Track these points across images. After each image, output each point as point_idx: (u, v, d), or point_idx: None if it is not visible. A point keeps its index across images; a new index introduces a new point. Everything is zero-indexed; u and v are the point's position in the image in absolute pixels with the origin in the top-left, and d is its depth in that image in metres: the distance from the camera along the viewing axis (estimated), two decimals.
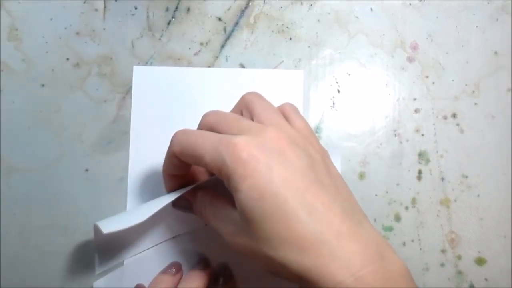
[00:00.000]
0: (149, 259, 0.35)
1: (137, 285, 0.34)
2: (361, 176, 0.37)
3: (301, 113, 0.37)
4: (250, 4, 0.38)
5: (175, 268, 0.34)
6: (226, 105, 0.37)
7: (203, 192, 0.30)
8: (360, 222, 0.25)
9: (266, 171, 0.24)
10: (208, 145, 0.26)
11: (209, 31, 0.38)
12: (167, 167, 0.30)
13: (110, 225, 0.31)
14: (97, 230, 0.31)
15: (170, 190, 0.32)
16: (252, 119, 0.28)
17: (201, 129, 0.29)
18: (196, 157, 0.26)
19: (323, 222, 0.23)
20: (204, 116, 0.30)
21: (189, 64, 0.37)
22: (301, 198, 0.23)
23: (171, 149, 0.29)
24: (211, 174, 0.33)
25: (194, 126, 0.36)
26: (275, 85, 0.37)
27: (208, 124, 0.29)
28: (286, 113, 0.29)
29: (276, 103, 0.37)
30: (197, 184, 0.31)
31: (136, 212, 0.33)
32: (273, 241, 0.23)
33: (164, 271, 0.34)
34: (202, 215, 0.30)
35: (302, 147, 0.26)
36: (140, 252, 0.35)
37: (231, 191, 0.25)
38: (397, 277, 0.24)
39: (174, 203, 0.32)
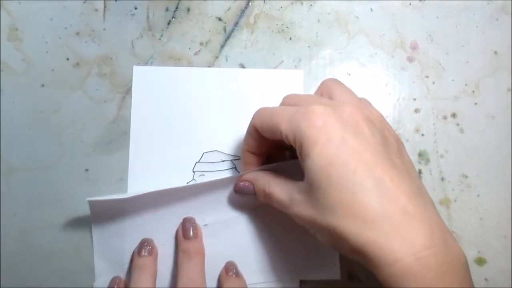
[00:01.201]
0: None
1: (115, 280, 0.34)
2: None
3: None
4: (250, 4, 0.38)
5: (149, 247, 0.33)
6: (226, 105, 0.37)
7: (263, 172, 0.31)
8: (426, 205, 0.25)
9: (338, 140, 0.24)
10: (285, 114, 0.27)
11: (209, 31, 0.38)
12: (246, 143, 0.31)
13: (97, 198, 0.33)
14: (90, 205, 0.33)
15: (246, 169, 0.32)
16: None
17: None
18: (273, 126, 0.27)
19: (389, 197, 0.23)
20: (285, 98, 0.30)
21: (189, 64, 0.37)
22: (369, 171, 0.24)
23: (252, 123, 0.30)
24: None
25: (194, 126, 0.36)
26: (275, 85, 0.37)
27: (288, 103, 0.30)
28: (363, 101, 0.30)
29: (276, 103, 0.37)
30: (253, 170, 0.32)
31: (130, 193, 0.34)
32: (337, 210, 0.24)
33: (139, 253, 0.33)
34: (265, 193, 0.29)
35: (378, 127, 0.27)
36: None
37: (301, 159, 0.26)
38: (457, 264, 0.24)
39: (236, 189, 0.32)
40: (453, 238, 0.25)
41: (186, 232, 0.33)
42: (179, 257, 0.33)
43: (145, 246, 0.33)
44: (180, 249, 0.33)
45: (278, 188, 0.28)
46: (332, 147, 0.24)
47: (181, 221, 0.34)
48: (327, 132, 0.25)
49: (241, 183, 0.32)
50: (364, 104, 0.29)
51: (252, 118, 0.30)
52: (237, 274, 0.33)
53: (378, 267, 0.23)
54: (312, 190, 0.25)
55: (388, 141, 0.26)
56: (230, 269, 0.33)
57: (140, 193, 0.32)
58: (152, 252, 0.33)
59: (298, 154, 0.26)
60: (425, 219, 0.23)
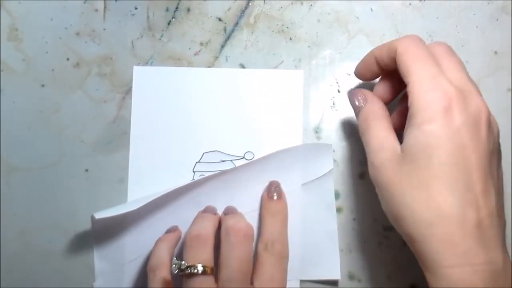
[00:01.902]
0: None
1: (171, 227, 0.34)
2: (361, 176, 0.37)
3: (301, 113, 0.37)
4: (250, 4, 0.38)
5: (213, 211, 0.34)
6: (227, 105, 0.37)
7: (378, 104, 0.30)
8: (501, 226, 0.25)
9: (454, 129, 0.24)
10: (420, 70, 0.26)
11: (209, 31, 0.38)
12: (379, 51, 0.30)
13: (102, 213, 0.32)
14: (93, 221, 0.32)
15: (362, 67, 0.33)
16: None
17: (426, 47, 0.29)
18: (406, 68, 0.27)
19: (472, 205, 0.24)
20: (435, 45, 0.30)
21: (189, 64, 0.37)
22: (467, 173, 0.24)
23: (395, 43, 0.29)
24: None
25: (194, 126, 0.36)
26: (275, 85, 0.37)
27: (431, 51, 0.29)
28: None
29: (276, 104, 0.37)
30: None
31: (133, 203, 0.33)
32: (418, 192, 0.24)
33: (204, 210, 0.34)
34: (365, 125, 0.29)
35: (494, 133, 0.26)
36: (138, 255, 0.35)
37: (409, 124, 0.26)
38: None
39: (350, 95, 0.32)
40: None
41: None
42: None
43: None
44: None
45: (377, 130, 0.28)
46: (445, 133, 0.24)
47: (186, 217, 0.34)
48: (447, 116, 0.24)
49: (356, 97, 0.32)
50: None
51: (397, 44, 0.29)
52: (279, 196, 0.34)
53: (431, 266, 0.24)
54: (405, 159, 0.25)
55: (495, 151, 0.26)
56: (271, 190, 0.34)
57: (143, 203, 0.32)
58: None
59: (409, 115, 0.26)
60: (495, 239, 0.24)
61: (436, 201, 0.24)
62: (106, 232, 0.35)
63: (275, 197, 0.34)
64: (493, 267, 0.23)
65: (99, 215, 0.32)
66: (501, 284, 0.23)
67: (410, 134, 0.25)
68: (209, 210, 0.34)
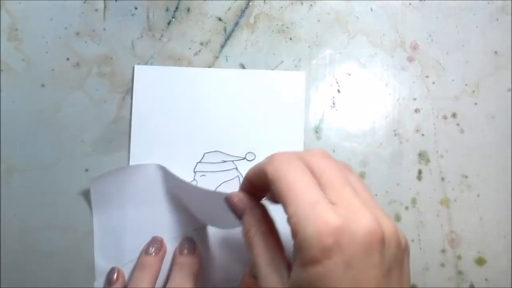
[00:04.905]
0: None
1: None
2: (361, 176, 0.37)
3: (303, 114, 0.37)
4: (250, 4, 0.38)
5: (157, 246, 0.34)
6: (228, 105, 0.37)
7: (261, 212, 0.26)
8: None
9: (343, 265, 0.21)
10: (301, 200, 0.22)
11: (209, 31, 0.38)
12: (251, 175, 0.27)
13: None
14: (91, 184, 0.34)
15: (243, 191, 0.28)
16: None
17: (300, 165, 0.25)
18: (281, 198, 0.23)
19: None
20: (311, 155, 0.25)
21: (189, 64, 0.37)
22: None
23: (265, 167, 0.24)
24: None
25: (195, 126, 0.36)
26: (276, 86, 0.37)
27: (311, 165, 0.25)
28: (368, 195, 0.25)
29: (278, 105, 0.37)
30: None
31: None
32: None
33: (146, 251, 0.34)
34: (249, 241, 0.26)
35: (391, 248, 0.23)
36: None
37: (295, 259, 0.22)
38: None
39: (229, 199, 0.27)
40: None
41: (181, 248, 0.34)
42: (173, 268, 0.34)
43: (153, 244, 0.34)
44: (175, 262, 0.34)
45: (260, 253, 0.25)
46: (333, 272, 0.21)
47: (185, 219, 0.34)
48: (334, 253, 0.21)
49: (235, 203, 0.27)
50: (373, 205, 0.24)
51: (269, 162, 0.25)
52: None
53: None
54: None
55: (396, 267, 0.23)
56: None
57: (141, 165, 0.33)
58: (160, 251, 0.34)
59: (293, 249, 0.23)
60: None
61: None
62: (107, 232, 0.35)
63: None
64: None
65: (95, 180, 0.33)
66: None
67: (295, 272, 0.22)
68: (154, 248, 0.34)
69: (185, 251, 0.34)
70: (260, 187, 0.26)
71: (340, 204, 0.23)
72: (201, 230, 0.35)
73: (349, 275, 0.21)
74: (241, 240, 0.29)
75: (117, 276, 0.34)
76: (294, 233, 0.22)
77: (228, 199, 0.27)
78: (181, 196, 0.34)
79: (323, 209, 0.22)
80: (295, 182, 0.23)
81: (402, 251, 0.24)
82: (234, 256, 0.35)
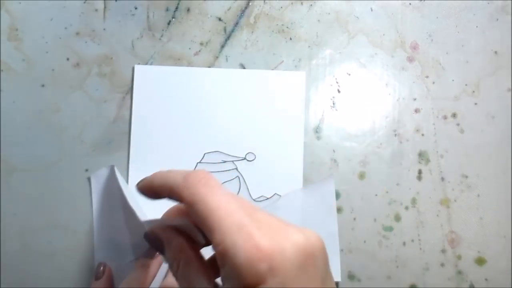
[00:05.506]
0: None
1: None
2: (361, 176, 0.37)
3: (303, 114, 0.37)
4: (250, 4, 0.38)
5: (102, 269, 0.34)
6: (229, 106, 0.37)
7: (180, 244, 0.25)
8: None
9: None
10: (225, 225, 0.21)
11: (209, 31, 0.38)
12: (158, 188, 0.25)
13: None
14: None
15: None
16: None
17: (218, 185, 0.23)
18: (203, 223, 0.22)
19: None
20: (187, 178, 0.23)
21: (189, 64, 0.37)
22: None
23: (180, 190, 0.23)
24: None
25: (195, 126, 0.36)
26: (277, 86, 0.37)
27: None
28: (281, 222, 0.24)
29: (278, 104, 0.37)
30: (174, 221, 0.26)
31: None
32: None
33: (96, 276, 0.34)
34: (173, 273, 0.24)
35: (320, 259, 0.22)
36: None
37: (224, 282, 0.21)
38: None
39: (147, 236, 0.26)
40: None
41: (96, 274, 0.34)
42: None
43: (99, 269, 0.34)
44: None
45: (185, 282, 0.23)
46: None
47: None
48: (268, 278, 0.20)
49: (155, 238, 0.26)
50: (285, 221, 0.23)
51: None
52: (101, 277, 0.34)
53: None
54: None
55: (325, 272, 0.23)
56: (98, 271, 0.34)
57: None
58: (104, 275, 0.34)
59: (222, 278, 0.21)
60: None
61: None
62: (106, 233, 0.35)
63: (94, 279, 0.34)
64: None
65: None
66: None
67: None
68: (99, 275, 0.34)
69: (94, 278, 0.34)
70: (166, 196, 0.24)
71: (262, 225, 0.21)
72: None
73: None
74: None
75: (103, 270, 0.34)
76: (222, 262, 0.21)
77: (147, 236, 0.26)
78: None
79: (251, 233, 0.21)
80: (218, 205, 0.21)
81: (327, 257, 0.23)
82: None
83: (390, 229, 0.36)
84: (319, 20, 0.38)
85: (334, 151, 0.37)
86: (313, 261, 0.21)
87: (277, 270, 0.20)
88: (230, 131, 0.36)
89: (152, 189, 0.25)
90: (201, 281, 0.23)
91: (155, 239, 0.25)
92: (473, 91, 0.38)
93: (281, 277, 0.20)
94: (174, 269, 0.24)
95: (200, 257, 0.24)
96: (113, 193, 0.35)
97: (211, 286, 0.23)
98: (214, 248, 0.21)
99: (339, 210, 0.36)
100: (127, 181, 0.36)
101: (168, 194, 0.24)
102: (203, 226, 0.21)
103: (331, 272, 0.23)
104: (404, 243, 0.36)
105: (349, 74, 0.38)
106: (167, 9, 0.38)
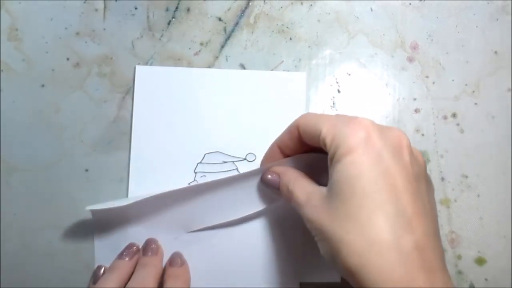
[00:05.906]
0: None
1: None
2: None
3: (302, 113, 0.37)
4: (250, 4, 0.38)
5: (154, 245, 0.34)
6: (229, 106, 0.37)
7: (292, 169, 0.30)
8: (436, 249, 0.24)
9: (375, 155, 0.24)
10: (330, 119, 0.27)
11: (209, 31, 0.38)
12: (281, 139, 0.31)
13: (98, 206, 0.33)
14: (93, 214, 0.33)
15: (268, 161, 0.32)
16: None
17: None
18: (316, 127, 0.27)
19: (405, 228, 0.22)
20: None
21: (189, 64, 0.37)
22: (395, 196, 0.23)
23: (296, 121, 0.29)
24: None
25: (196, 126, 0.36)
26: (277, 87, 0.37)
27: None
28: None
29: (279, 105, 0.37)
30: (275, 163, 0.32)
31: (130, 199, 0.34)
32: (348, 224, 0.23)
33: (144, 253, 0.34)
34: (288, 189, 0.29)
35: (419, 162, 0.26)
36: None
37: (331, 164, 0.25)
38: None
39: (263, 179, 0.31)
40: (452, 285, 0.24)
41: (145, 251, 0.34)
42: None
43: (150, 246, 0.34)
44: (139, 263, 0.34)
45: (300, 187, 0.28)
46: (367, 160, 0.23)
47: (183, 223, 0.34)
48: (367, 144, 0.24)
49: (269, 176, 0.31)
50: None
51: (297, 119, 0.29)
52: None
53: None
54: (332, 196, 0.24)
55: (423, 178, 0.25)
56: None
57: (140, 198, 0.32)
58: (158, 252, 0.34)
59: (329, 158, 0.25)
60: (435, 261, 0.23)
61: (367, 229, 0.22)
62: (106, 232, 0.35)
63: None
64: None
65: (93, 207, 0.33)
66: None
67: (333, 171, 0.25)
68: (150, 249, 0.34)
69: (149, 253, 0.34)
70: (288, 149, 0.31)
71: (375, 125, 0.26)
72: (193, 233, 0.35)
73: (381, 165, 0.23)
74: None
75: (103, 273, 0.34)
76: (331, 137, 0.25)
77: (263, 178, 0.31)
78: (185, 197, 0.34)
79: (356, 117, 0.26)
80: (325, 114, 0.29)
81: (425, 170, 0.26)
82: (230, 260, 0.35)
83: None
84: (319, 20, 0.38)
85: None
86: (408, 151, 0.25)
87: (375, 141, 0.24)
88: (231, 131, 0.36)
89: (295, 133, 0.30)
90: (313, 185, 0.28)
91: (272, 173, 0.31)
92: (473, 91, 0.38)
93: (378, 148, 0.24)
94: (290, 185, 0.29)
95: (307, 176, 0.29)
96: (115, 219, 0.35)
97: (321, 187, 0.27)
98: (322, 142, 0.26)
99: None
100: (127, 181, 0.36)
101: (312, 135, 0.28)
102: (312, 133, 0.27)
103: (432, 197, 0.27)
104: None
105: (349, 74, 0.38)
106: (167, 9, 0.38)
